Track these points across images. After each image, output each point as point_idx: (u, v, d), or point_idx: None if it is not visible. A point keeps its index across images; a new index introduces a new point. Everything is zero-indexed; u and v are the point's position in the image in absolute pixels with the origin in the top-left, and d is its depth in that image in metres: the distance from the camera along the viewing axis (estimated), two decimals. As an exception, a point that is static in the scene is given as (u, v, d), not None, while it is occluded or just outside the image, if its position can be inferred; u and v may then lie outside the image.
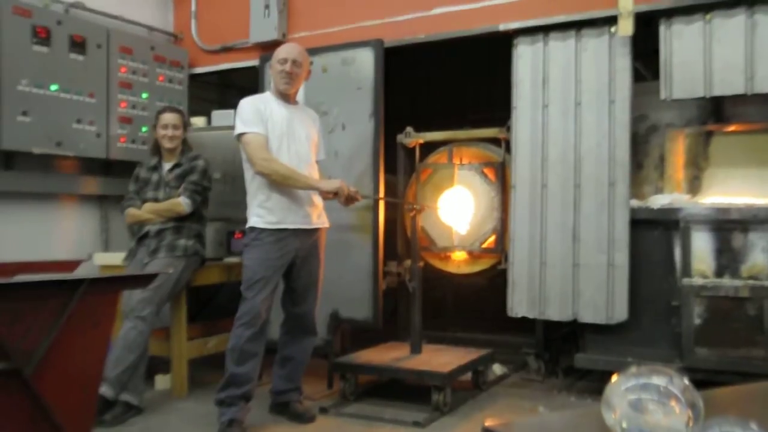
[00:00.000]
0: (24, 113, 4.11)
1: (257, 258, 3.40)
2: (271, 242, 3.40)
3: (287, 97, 3.54)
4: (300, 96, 4.48)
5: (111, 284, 2.49)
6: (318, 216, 3.57)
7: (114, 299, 2.51)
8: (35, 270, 2.86)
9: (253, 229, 3.43)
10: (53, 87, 4.27)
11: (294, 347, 3.64)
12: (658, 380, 1.39)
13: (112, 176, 4.86)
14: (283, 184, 3.38)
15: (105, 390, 3.48)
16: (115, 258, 4.23)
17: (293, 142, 3.47)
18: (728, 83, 3.63)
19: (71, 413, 2.28)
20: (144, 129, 4.83)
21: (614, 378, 1.45)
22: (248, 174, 3.47)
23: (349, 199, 3.46)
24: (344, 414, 3.70)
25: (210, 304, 5.15)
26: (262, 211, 3.42)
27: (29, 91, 4.14)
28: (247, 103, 3.46)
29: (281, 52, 3.50)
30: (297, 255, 3.50)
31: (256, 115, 3.39)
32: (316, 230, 3.57)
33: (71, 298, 2.21)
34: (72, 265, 4.31)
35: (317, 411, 3.69)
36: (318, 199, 3.57)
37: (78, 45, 4.42)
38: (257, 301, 3.37)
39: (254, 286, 3.38)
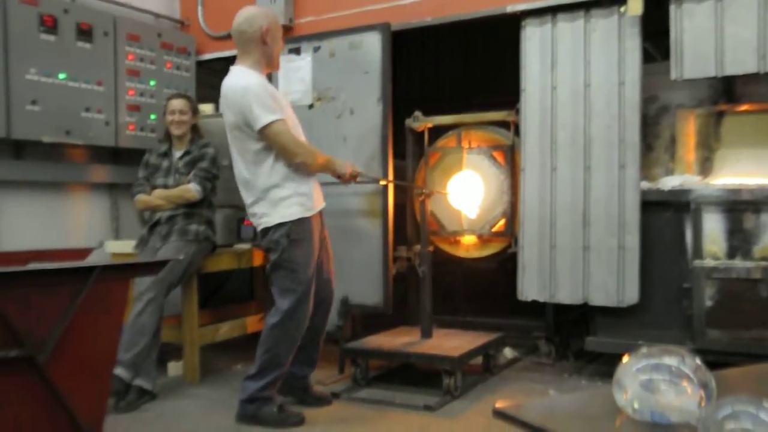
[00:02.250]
0: (33, 102, 4.12)
1: (309, 253, 3.25)
2: (314, 229, 3.28)
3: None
4: (307, 80, 4.50)
5: (122, 271, 2.50)
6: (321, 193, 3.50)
7: (125, 286, 2.52)
8: (47, 258, 2.87)
9: (298, 221, 3.20)
10: (61, 75, 4.27)
11: (318, 330, 3.57)
12: (670, 360, 1.39)
13: (121, 164, 4.87)
14: (316, 171, 3.30)
15: (120, 372, 3.52)
16: (125, 245, 4.25)
17: (296, 123, 3.37)
18: (740, 62, 3.59)
19: (85, 399, 2.29)
20: (153, 117, 4.83)
21: (625, 359, 1.45)
22: (262, 167, 3.21)
23: (352, 178, 3.42)
24: (355, 399, 3.72)
25: (221, 290, 5.17)
26: (302, 199, 3.23)
27: (38, 80, 4.14)
28: (254, 85, 3.14)
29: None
30: (321, 237, 3.44)
31: (273, 100, 3.14)
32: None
33: (83, 285, 2.22)
34: (83, 253, 4.33)
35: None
36: None
37: (85, 33, 4.42)
38: (310, 302, 3.29)
39: (308, 285, 3.26)
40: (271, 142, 3.16)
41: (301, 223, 3.24)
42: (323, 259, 3.51)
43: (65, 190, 4.64)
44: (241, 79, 3.22)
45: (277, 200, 3.22)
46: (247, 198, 3.33)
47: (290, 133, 3.17)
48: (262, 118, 3.10)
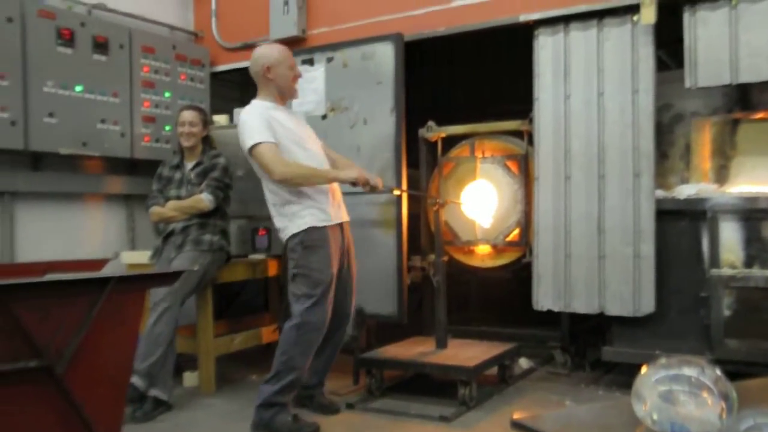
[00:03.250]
0: (50, 114, 4.17)
1: (324, 259, 3.34)
2: (331, 239, 3.38)
3: (284, 102, 3.54)
4: (321, 91, 4.53)
5: (138, 282, 2.51)
6: (344, 209, 3.60)
7: (141, 297, 2.53)
8: (64, 269, 2.90)
9: (311, 229, 3.33)
10: (78, 88, 4.32)
11: (330, 343, 3.61)
12: (689, 371, 1.37)
13: (136, 175, 4.91)
14: (307, 184, 3.36)
15: (136, 380, 3.53)
16: (141, 256, 4.28)
17: (307, 146, 3.47)
18: (755, 70, 3.56)
19: (101, 410, 2.30)
20: (167, 128, 4.87)
21: (644, 369, 1.44)
22: (274, 185, 3.38)
23: (373, 187, 3.48)
24: (370, 409, 3.70)
25: (235, 301, 5.19)
26: (314, 210, 3.36)
27: (55, 92, 4.19)
28: (250, 114, 3.38)
29: (291, 56, 3.50)
30: (342, 250, 3.51)
31: (263, 124, 3.32)
32: (346, 223, 3.58)
33: (99, 296, 2.24)
34: (99, 263, 4.35)
35: (344, 406, 3.70)
36: (340, 193, 3.59)
37: (101, 46, 4.47)
38: (326, 306, 3.35)
39: (323, 290, 3.32)
40: (257, 163, 3.35)
41: (314, 232, 3.35)
42: (344, 274, 3.55)
43: (81, 201, 4.68)
44: (243, 111, 3.46)
45: (292, 214, 3.38)
46: (272, 215, 3.50)
47: (270, 153, 3.28)
48: (247, 142, 3.33)
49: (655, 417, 1.36)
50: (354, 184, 3.43)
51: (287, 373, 3.30)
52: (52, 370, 2.14)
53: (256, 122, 3.33)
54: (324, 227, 3.37)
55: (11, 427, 2.11)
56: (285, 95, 3.53)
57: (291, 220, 3.38)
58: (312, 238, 3.34)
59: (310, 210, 3.36)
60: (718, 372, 1.37)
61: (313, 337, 3.33)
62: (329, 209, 3.42)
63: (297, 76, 3.50)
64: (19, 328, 2.06)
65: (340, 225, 3.49)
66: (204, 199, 3.98)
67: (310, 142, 3.52)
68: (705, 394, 1.33)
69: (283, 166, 3.29)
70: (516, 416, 1.46)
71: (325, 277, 3.33)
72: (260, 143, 3.29)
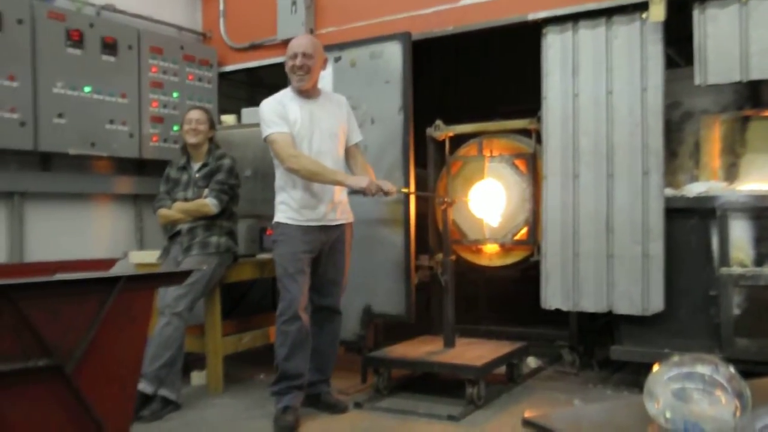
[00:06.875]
0: (59, 115, 4.19)
1: (286, 252, 3.47)
2: (297, 236, 3.46)
3: (306, 92, 3.53)
4: (328, 90, 4.51)
5: (147, 281, 2.52)
6: (341, 211, 3.61)
7: (150, 296, 2.54)
8: (73, 269, 2.91)
9: (278, 224, 3.53)
10: (87, 89, 4.34)
11: (321, 338, 3.66)
12: (703, 369, 1.36)
13: (145, 175, 4.92)
14: (311, 179, 3.42)
15: (143, 386, 3.53)
16: (150, 256, 4.28)
17: (314, 140, 3.49)
18: (766, 67, 3.54)
19: (110, 408, 2.31)
20: (175, 128, 4.88)
21: (656, 367, 1.43)
22: (277, 172, 3.56)
23: (386, 193, 3.49)
24: (378, 408, 3.70)
25: (243, 300, 5.19)
26: (285, 207, 3.51)
27: (64, 93, 4.21)
28: (266, 105, 3.53)
29: (291, 47, 3.51)
30: (322, 249, 3.55)
31: (276, 115, 3.46)
32: (339, 226, 3.60)
33: (109, 295, 2.24)
34: (108, 263, 4.38)
35: (352, 405, 3.70)
36: (342, 195, 3.61)
37: (110, 46, 4.48)
38: (295, 295, 3.42)
39: (289, 281, 3.44)
40: (271, 150, 3.50)
41: (281, 226, 3.52)
42: (327, 271, 3.62)
43: (90, 201, 4.70)
44: (262, 102, 3.59)
45: (276, 204, 3.58)
46: None
47: (282, 143, 3.42)
48: (264, 132, 3.50)
49: (668, 415, 1.34)
50: (364, 193, 3.44)
51: (277, 363, 3.46)
52: (62, 369, 2.14)
53: (267, 113, 3.48)
54: (291, 225, 3.47)
55: (21, 426, 2.12)
56: (293, 84, 3.56)
57: (276, 209, 3.56)
58: (278, 232, 3.53)
59: (284, 206, 3.52)
60: (732, 370, 1.35)
61: (284, 328, 3.44)
62: (304, 209, 3.48)
63: (294, 65, 3.49)
64: (29, 328, 2.07)
65: (321, 227, 3.51)
66: (209, 204, 3.96)
67: (319, 137, 3.51)
68: (719, 393, 1.31)
69: (291, 156, 3.40)
70: (527, 415, 1.45)
71: (287, 270, 3.44)
72: (272, 133, 3.44)
